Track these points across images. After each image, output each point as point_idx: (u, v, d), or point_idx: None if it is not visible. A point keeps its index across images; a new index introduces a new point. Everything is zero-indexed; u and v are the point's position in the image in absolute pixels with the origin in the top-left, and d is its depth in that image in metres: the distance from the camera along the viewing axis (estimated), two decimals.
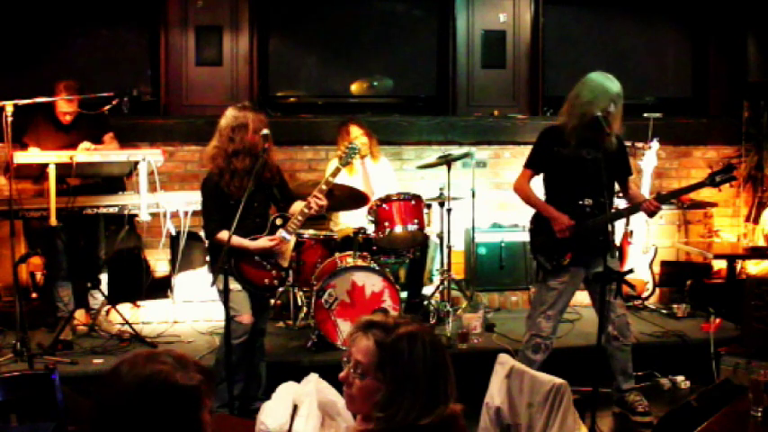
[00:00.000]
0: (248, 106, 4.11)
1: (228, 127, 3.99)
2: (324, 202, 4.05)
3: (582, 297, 5.44)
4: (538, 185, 4.33)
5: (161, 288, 5.77)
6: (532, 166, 4.26)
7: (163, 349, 1.79)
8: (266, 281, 4.11)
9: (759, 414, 2.76)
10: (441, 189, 5.49)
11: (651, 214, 4.13)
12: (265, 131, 3.96)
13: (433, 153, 6.11)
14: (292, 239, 4.13)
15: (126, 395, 1.64)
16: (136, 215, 5.11)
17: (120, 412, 1.63)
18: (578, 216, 4.09)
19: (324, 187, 4.05)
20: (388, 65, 6.87)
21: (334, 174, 4.09)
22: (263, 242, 4.03)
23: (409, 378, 1.91)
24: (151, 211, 5.10)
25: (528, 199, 4.25)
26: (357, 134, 5.53)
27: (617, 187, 4.36)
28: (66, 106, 5.14)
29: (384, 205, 5.08)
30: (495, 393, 2.88)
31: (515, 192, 4.29)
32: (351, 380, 1.97)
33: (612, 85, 4.02)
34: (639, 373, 4.60)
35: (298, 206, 4.15)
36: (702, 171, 6.37)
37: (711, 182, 3.99)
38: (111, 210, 5.05)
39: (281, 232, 4.06)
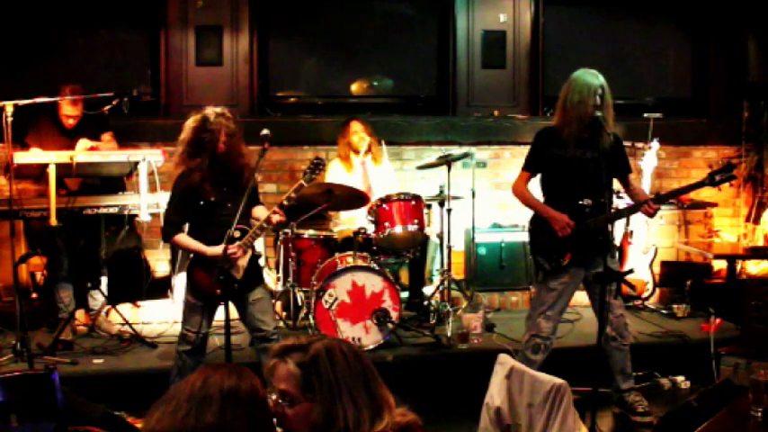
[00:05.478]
0: (222, 115, 4.01)
1: (194, 129, 3.96)
2: (282, 219, 3.97)
3: (582, 297, 5.43)
4: (535, 187, 4.33)
5: (161, 288, 5.78)
6: (529, 168, 4.27)
7: (232, 365, 1.81)
8: (217, 291, 3.94)
9: (759, 414, 2.75)
10: (441, 187, 5.50)
11: (650, 215, 4.14)
12: (265, 131, 3.96)
13: (433, 153, 6.11)
14: (248, 252, 4.04)
15: (230, 404, 1.65)
16: (136, 215, 5.12)
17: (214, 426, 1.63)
18: (578, 216, 4.09)
19: (285, 203, 3.94)
20: (388, 65, 6.87)
21: (297, 190, 3.96)
22: (219, 249, 3.85)
23: (341, 388, 1.86)
24: (151, 211, 5.10)
25: (526, 201, 4.26)
26: (357, 129, 5.56)
27: (617, 186, 4.36)
28: (70, 110, 5.11)
29: (384, 205, 5.09)
30: (495, 393, 2.89)
31: (514, 195, 4.31)
32: (280, 411, 1.87)
33: (595, 79, 4.05)
34: (639, 373, 4.60)
35: (259, 212, 4.13)
36: (702, 171, 6.36)
37: (711, 181, 3.99)
38: (112, 210, 5.05)
39: (238, 245, 3.96)
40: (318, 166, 3.97)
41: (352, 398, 1.85)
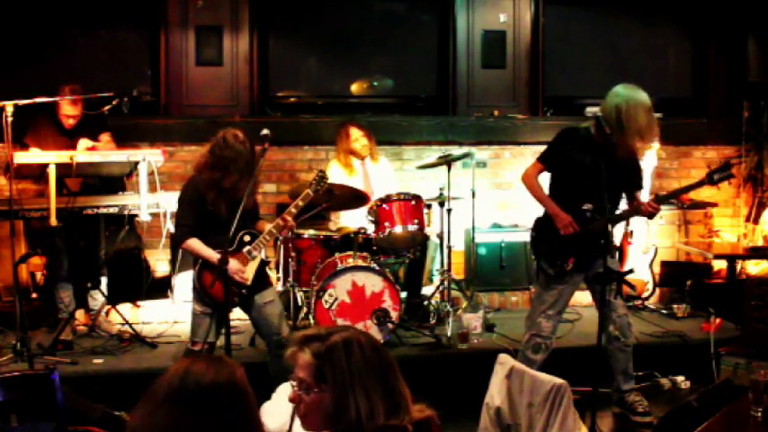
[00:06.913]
0: (247, 142, 3.98)
1: (226, 157, 3.92)
2: (291, 225, 4.05)
3: (582, 297, 5.44)
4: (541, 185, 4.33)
5: (161, 288, 5.77)
6: (544, 161, 4.25)
7: (213, 356, 1.81)
8: (234, 299, 4.01)
9: (759, 414, 2.75)
10: (441, 189, 5.50)
11: (650, 216, 4.13)
12: (265, 131, 3.96)
13: (433, 153, 6.11)
14: (257, 258, 4.06)
15: (198, 396, 1.64)
16: (136, 215, 5.11)
17: (190, 414, 1.63)
18: (580, 221, 4.09)
19: (293, 210, 4.01)
20: (388, 65, 6.87)
21: (304, 198, 4.03)
22: (234, 264, 3.92)
23: (353, 381, 1.89)
24: (151, 211, 5.10)
25: (533, 191, 4.25)
26: (357, 136, 5.54)
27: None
28: (70, 110, 5.11)
29: (384, 205, 5.08)
30: (495, 393, 2.89)
31: (522, 181, 4.30)
32: (298, 399, 1.94)
33: (648, 101, 4.02)
34: (639, 373, 4.60)
35: (263, 225, 4.15)
36: (702, 171, 6.35)
37: (710, 180, 3.98)
38: (111, 210, 5.04)
39: (247, 250, 4.01)
40: (323, 178, 4.11)
41: (366, 391, 1.88)
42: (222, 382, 1.66)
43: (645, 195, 5.16)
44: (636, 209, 4.14)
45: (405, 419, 1.90)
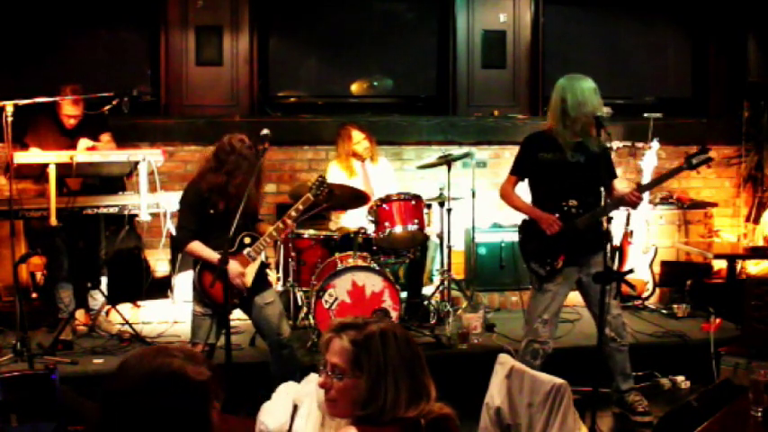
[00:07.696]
0: (253, 148, 4.03)
1: (232, 162, 3.96)
2: (290, 229, 4.10)
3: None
4: (524, 191, 4.34)
5: (161, 288, 5.78)
6: (517, 172, 4.27)
7: (173, 345, 1.76)
8: (234, 300, 4.03)
9: (759, 414, 2.75)
10: (441, 189, 5.49)
11: (634, 205, 4.13)
12: (265, 131, 3.96)
13: (433, 153, 6.11)
14: (258, 260, 4.08)
15: (134, 387, 1.61)
16: (136, 215, 5.11)
17: (128, 405, 1.60)
18: (564, 218, 4.09)
19: (293, 214, 4.04)
20: (388, 65, 6.87)
21: (304, 203, 4.05)
22: (234, 266, 3.94)
23: (387, 370, 1.98)
24: (151, 211, 5.10)
25: (513, 203, 4.27)
26: (359, 138, 5.54)
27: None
28: (72, 110, 5.10)
29: (384, 205, 5.08)
30: (495, 393, 2.89)
31: (501, 197, 4.33)
32: (330, 384, 2.01)
33: (590, 82, 4.05)
34: (639, 373, 4.60)
35: (263, 227, 4.17)
36: (702, 171, 6.36)
37: (689, 165, 3.99)
38: (111, 210, 5.04)
39: (248, 252, 4.03)
40: (323, 183, 4.13)
41: (396, 381, 1.98)
42: (153, 372, 1.61)
43: (645, 195, 5.18)
44: (618, 199, 4.13)
45: (423, 411, 1.98)
